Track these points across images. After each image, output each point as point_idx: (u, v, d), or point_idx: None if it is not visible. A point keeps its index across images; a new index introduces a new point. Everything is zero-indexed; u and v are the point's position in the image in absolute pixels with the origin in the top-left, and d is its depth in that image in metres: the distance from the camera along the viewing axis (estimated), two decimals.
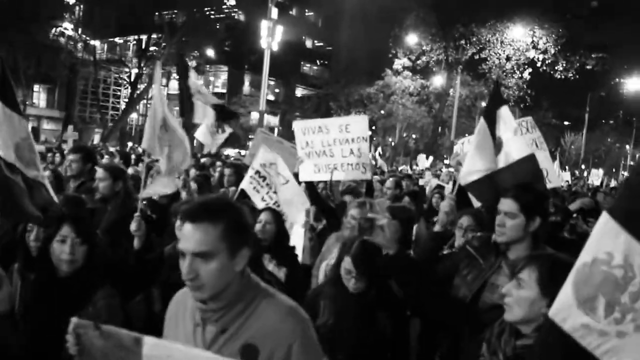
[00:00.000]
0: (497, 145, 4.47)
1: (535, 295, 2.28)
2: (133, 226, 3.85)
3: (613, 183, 34.35)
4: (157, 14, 36.08)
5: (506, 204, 3.16)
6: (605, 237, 1.67)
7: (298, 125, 6.54)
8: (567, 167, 53.33)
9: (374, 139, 52.29)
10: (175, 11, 41.58)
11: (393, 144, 44.69)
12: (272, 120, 54.85)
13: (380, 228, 3.21)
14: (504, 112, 4.50)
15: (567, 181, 29.11)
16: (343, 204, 6.09)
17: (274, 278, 4.02)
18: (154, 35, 38.72)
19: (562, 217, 8.04)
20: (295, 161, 6.44)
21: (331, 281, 3.50)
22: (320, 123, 6.42)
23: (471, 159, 4.44)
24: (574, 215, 8.47)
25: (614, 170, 73.68)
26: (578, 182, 32.77)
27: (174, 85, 58.89)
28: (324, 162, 6.28)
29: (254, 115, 46.55)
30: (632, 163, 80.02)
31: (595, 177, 40.66)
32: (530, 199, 3.16)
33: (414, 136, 47.82)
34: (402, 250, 3.79)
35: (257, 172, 5.94)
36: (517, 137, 4.92)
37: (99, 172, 5.08)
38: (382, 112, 40.08)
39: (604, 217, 1.70)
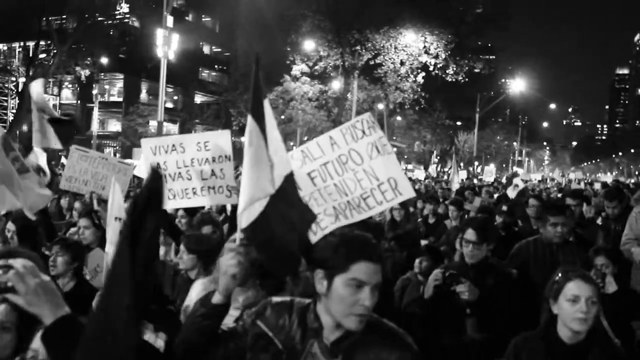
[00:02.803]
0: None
1: None
2: None
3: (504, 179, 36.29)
4: (44, 19, 34.17)
5: None
6: None
7: (147, 144, 5.49)
8: (462, 165, 55.97)
9: None
10: (65, 17, 39.72)
11: (294, 148, 44.91)
12: (172, 128, 53.70)
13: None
14: (266, 103, 3.11)
15: (462, 179, 30.52)
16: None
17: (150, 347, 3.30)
18: (42, 42, 36.69)
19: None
20: (127, 177, 5.71)
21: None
22: (174, 140, 5.52)
23: (247, 187, 2.82)
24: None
25: (504, 165, 78.21)
26: (471, 180, 34.44)
27: (66, 94, 56.43)
28: (179, 186, 5.36)
29: (153, 124, 45.39)
30: (519, 158, 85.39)
31: (489, 174, 43.00)
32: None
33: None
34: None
35: (121, 219, 4.70)
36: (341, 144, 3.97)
37: None
38: (283, 117, 40.22)
39: None
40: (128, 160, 7.90)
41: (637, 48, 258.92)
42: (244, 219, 2.86)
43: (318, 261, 2.35)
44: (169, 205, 5.52)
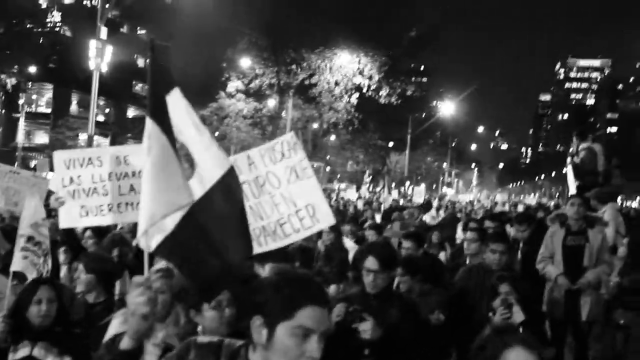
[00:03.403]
0: (188, 162, 2.70)
1: None
2: None
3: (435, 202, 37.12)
4: None
5: None
6: None
7: (60, 157, 5.08)
8: (393, 185, 57.01)
9: None
10: None
11: None
12: (103, 142, 52.19)
13: None
14: (176, 98, 2.63)
15: (394, 199, 31.07)
16: None
17: None
18: None
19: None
20: (42, 192, 5.28)
21: None
22: (91, 153, 5.16)
23: (148, 203, 2.43)
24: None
25: (434, 186, 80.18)
26: (404, 200, 35.11)
27: None
28: (94, 202, 4.89)
29: (82, 137, 44.04)
30: (449, 179, 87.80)
31: (418, 194, 43.95)
32: None
33: None
34: None
35: (30, 237, 4.31)
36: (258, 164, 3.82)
37: None
38: (217, 134, 39.95)
39: None
40: (43, 173, 7.47)
41: (558, 76, 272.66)
42: (153, 241, 2.52)
43: (255, 306, 1.99)
44: (81, 223, 5.23)
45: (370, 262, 3.94)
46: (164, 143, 2.42)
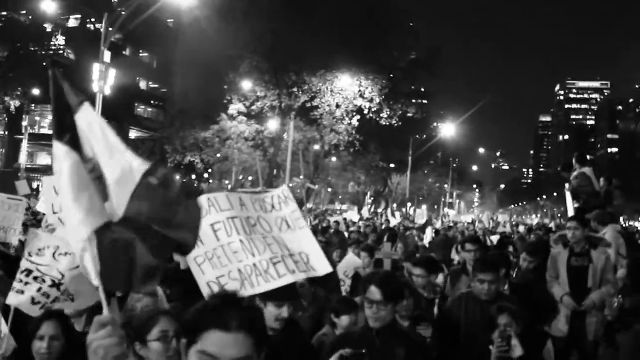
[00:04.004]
0: (97, 181, 2.31)
1: None
2: None
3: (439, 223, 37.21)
4: None
5: None
6: None
7: (49, 183, 4.80)
8: (395, 206, 57.04)
9: (210, 182, 52.08)
10: None
11: (230, 187, 44.75)
12: None
13: None
14: (86, 114, 2.41)
15: (399, 222, 31.13)
16: None
17: None
18: None
19: None
20: (19, 214, 4.96)
21: None
22: None
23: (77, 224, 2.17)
24: None
25: (435, 207, 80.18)
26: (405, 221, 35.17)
27: None
28: None
29: None
30: (451, 200, 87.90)
31: (420, 216, 44.04)
32: None
33: (250, 179, 48.31)
34: None
35: (27, 270, 3.99)
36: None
37: None
38: (219, 156, 40.10)
39: None
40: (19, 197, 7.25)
41: (558, 97, 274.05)
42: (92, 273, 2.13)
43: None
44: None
45: (373, 293, 3.59)
46: (76, 160, 2.24)
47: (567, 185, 10.96)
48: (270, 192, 3.78)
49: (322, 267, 3.50)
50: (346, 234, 14.38)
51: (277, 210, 3.64)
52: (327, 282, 5.68)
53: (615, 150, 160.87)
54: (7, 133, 49.45)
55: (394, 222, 21.43)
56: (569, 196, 10.91)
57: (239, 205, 3.58)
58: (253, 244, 3.39)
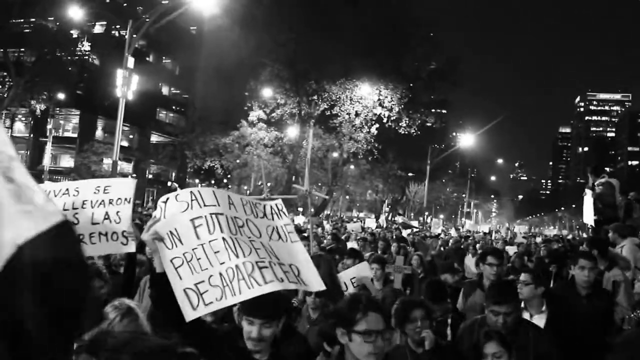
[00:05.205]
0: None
1: None
2: None
3: (453, 231, 37.23)
4: (1, 50, 33.92)
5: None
6: None
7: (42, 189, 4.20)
8: (412, 215, 57.06)
9: (229, 187, 52.55)
10: (23, 50, 39.43)
11: (249, 192, 45.16)
12: (126, 167, 53.26)
13: None
14: None
15: (416, 228, 31.26)
16: None
17: None
18: None
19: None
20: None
21: None
22: (69, 185, 4.75)
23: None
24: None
25: (453, 216, 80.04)
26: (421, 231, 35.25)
27: (19, 127, 55.30)
28: None
29: (107, 162, 44.92)
30: (468, 210, 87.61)
31: (436, 225, 44.07)
32: None
33: (268, 184, 48.68)
34: None
35: None
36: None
37: None
38: (238, 161, 40.55)
39: None
40: None
41: (578, 109, 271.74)
42: None
43: None
44: None
45: (373, 321, 2.90)
46: None
47: (586, 191, 10.81)
48: (264, 202, 3.38)
49: (314, 283, 3.06)
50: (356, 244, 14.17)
51: (269, 219, 3.27)
52: (334, 295, 5.29)
53: (635, 162, 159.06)
54: (32, 135, 50.32)
55: (405, 232, 21.30)
56: (588, 199, 10.68)
57: (227, 204, 3.11)
58: (238, 244, 2.89)
